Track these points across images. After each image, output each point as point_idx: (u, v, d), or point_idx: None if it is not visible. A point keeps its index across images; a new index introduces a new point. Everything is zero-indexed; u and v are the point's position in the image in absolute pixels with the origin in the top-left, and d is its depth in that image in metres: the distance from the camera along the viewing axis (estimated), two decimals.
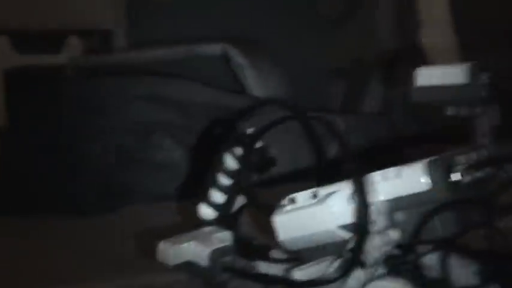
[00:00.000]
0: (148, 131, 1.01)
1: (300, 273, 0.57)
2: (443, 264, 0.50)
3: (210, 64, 1.23)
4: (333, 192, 0.53)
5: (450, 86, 0.54)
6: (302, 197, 0.55)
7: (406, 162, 0.51)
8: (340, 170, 0.55)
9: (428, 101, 0.55)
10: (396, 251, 0.52)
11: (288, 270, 0.58)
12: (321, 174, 0.58)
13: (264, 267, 0.63)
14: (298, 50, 1.51)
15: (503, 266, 0.51)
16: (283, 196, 0.60)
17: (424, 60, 1.33)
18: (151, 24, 1.66)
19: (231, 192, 0.70)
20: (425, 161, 0.50)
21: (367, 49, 1.51)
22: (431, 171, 0.50)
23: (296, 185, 0.62)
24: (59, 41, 1.54)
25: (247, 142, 0.66)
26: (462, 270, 0.52)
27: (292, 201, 0.56)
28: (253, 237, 0.67)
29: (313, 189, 0.54)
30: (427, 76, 0.55)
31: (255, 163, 0.67)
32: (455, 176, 0.50)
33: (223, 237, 0.66)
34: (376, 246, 0.50)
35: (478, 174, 0.52)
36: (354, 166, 0.50)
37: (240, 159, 0.67)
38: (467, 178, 0.50)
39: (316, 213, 0.53)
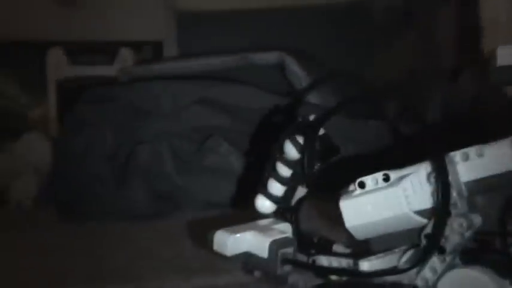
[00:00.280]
0: (204, 135, 0.98)
1: (368, 265, 0.53)
2: None
3: (264, 73, 1.20)
4: (408, 174, 0.48)
5: None
6: (372, 180, 0.51)
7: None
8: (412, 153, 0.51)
9: (510, 80, 0.50)
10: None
11: (354, 262, 0.54)
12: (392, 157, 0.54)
13: (325, 262, 0.59)
14: (351, 60, 1.49)
15: None
16: (350, 182, 0.56)
17: (487, 70, 1.28)
18: (202, 35, 1.66)
19: (290, 183, 0.66)
20: (511, 138, 0.46)
21: (426, 60, 1.47)
22: None
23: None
24: (111, 52, 1.55)
25: (309, 130, 0.62)
26: None
27: (361, 185, 0.52)
28: (314, 231, 0.63)
29: (385, 172, 0.50)
30: (510, 55, 0.51)
31: (317, 152, 0.63)
32: None
33: (283, 229, 0.62)
34: (457, 230, 0.46)
35: None
36: (433, 145, 0.46)
37: (301, 148, 0.64)
38: None
39: (389, 197, 0.49)
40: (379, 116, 0.79)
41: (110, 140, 1.00)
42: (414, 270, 0.49)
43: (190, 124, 1.00)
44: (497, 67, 0.48)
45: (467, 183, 0.47)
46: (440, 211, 0.45)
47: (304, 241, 0.61)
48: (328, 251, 0.60)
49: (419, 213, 0.49)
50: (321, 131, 0.63)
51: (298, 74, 1.18)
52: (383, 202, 0.49)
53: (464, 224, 0.46)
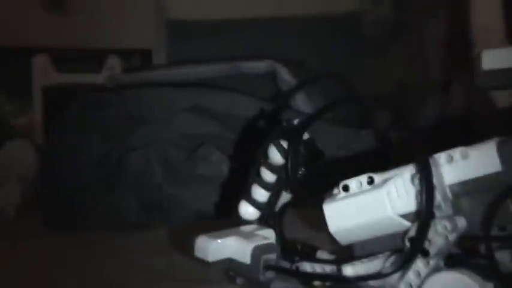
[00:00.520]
0: (195, 143, 0.97)
1: (352, 269, 0.52)
2: None
3: (255, 81, 1.20)
4: (392, 177, 0.48)
5: None
6: (356, 183, 0.50)
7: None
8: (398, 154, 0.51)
9: (496, 85, 0.50)
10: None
11: (337, 267, 0.54)
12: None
13: (309, 268, 0.58)
14: (341, 71, 1.49)
15: None
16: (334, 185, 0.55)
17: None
18: (192, 45, 1.66)
19: (275, 189, 0.66)
20: (496, 140, 0.46)
21: (417, 71, 1.48)
22: (502, 151, 0.45)
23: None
24: (99, 60, 1.54)
25: (293, 134, 0.61)
26: None
27: (345, 188, 0.51)
28: (298, 238, 0.63)
29: (369, 174, 0.50)
30: (495, 58, 0.51)
31: (302, 156, 0.63)
32: None
33: (267, 235, 0.61)
34: (441, 233, 0.45)
35: None
36: (418, 147, 0.46)
37: (285, 152, 0.63)
38: None
39: (373, 200, 0.48)
40: (371, 124, 0.79)
41: (98, 147, 0.98)
42: (398, 274, 0.48)
43: (181, 132, 0.98)
44: (483, 71, 0.48)
45: (452, 186, 0.47)
46: (424, 213, 0.45)
47: (288, 247, 0.60)
48: (312, 258, 0.60)
49: (404, 216, 0.48)
50: (306, 136, 0.63)
51: (290, 82, 1.17)
52: (367, 205, 0.49)
53: (449, 227, 0.45)
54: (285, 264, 0.60)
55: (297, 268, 0.59)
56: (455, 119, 1.21)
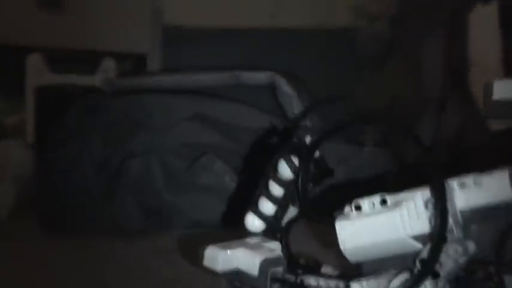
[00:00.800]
0: (196, 152, 0.98)
1: (359, 286, 0.54)
2: None
3: (255, 92, 1.22)
4: (406, 199, 0.50)
5: None
6: (369, 203, 0.53)
7: None
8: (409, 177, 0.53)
9: (506, 115, 0.53)
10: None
11: (346, 284, 0.56)
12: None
13: (313, 282, 0.60)
14: (334, 84, 1.51)
15: None
16: (345, 203, 0.57)
17: (473, 101, 1.32)
18: (187, 51, 1.67)
19: (282, 203, 0.68)
20: (509, 169, 0.48)
21: (409, 90, 1.50)
22: None
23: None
24: (93, 62, 1.55)
25: (305, 152, 0.64)
26: None
27: (358, 208, 0.54)
28: (305, 252, 0.65)
29: (382, 196, 0.52)
30: (506, 89, 0.54)
31: (312, 174, 0.65)
32: None
33: (273, 247, 0.63)
34: (452, 256, 0.48)
35: None
36: (432, 171, 0.48)
37: (295, 168, 0.65)
38: None
39: (386, 221, 0.51)
40: (379, 142, 0.81)
41: (99, 152, 0.99)
42: None
43: (182, 140, 1.00)
44: (493, 101, 0.51)
45: (463, 211, 0.49)
46: (437, 237, 0.47)
47: (293, 261, 0.62)
48: (317, 272, 0.62)
49: (415, 238, 0.51)
50: (316, 153, 0.65)
51: (289, 94, 1.20)
52: (380, 226, 0.51)
53: (460, 250, 0.48)
54: (290, 277, 0.62)
55: (302, 282, 0.61)
56: (450, 138, 1.24)
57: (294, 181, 0.66)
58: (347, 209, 0.55)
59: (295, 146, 0.66)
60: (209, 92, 1.17)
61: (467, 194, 0.49)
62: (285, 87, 1.23)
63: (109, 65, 1.55)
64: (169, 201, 0.96)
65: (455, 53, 1.40)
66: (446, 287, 0.50)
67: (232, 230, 0.89)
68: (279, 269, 0.61)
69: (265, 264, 0.60)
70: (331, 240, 0.61)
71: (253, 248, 0.62)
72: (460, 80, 1.36)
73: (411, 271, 0.51)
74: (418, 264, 0.49)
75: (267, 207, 0.69)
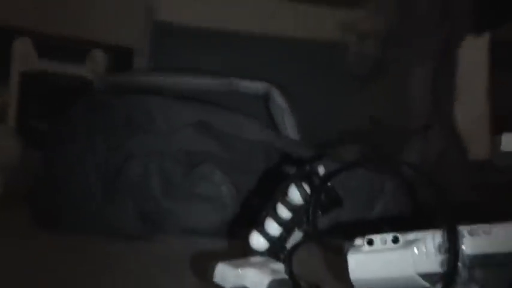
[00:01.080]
0: (195, 160, 1.00)
1: None
2: None
3: (248, 101, 1.24)
4: (418, 239, 0.55)
5: None
6: (381, 240, 0.58)
7: None
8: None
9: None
10: None
11: None
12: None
13: None
14: (320, 105, 1.54)
15: None
16: (354, 237, 0.62)
17: (455, 132, 1.38)
18: (176, 49, 1.68)
19: (289, 226, 0.72)
20: None
21: (394, 113, 1.55)
22: None
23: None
24: (82, 51, 1.55)
25: (318, 182, 0.69)
26: None
27: (370, 242, 0.58)
28: (306, 275, 0.69)
29: (394, 234, 0.57)
30: None
31: (322, 202, 0.70)
32: None
33: (279, 269, 0.68)
34: None
35: None
36: (446, 217, 0.53)
37: (306, 195, 0.70)
38: None
39: (398, 259, 0.56)
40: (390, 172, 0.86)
41: (101, 152, 1.00)
42: None
43: (183, 147, 1.01)
44: (502, 152, 0.56)
45: (471, 256, 0.54)
46: (447, 280, 0.52)
47: (296, 284, 0.67)
48: None
49: (422, 276, 0.56)
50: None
51: (282, 107, 1.23)
52: (391, 262, 0.56)
53: None
54: None
55: None
56: (430, 163, 1.30)
57: (303, 207, 0.71)
58: (359, 242, 0.60)
59: (307, 174, 0.70)
60: (204, 97, 1.19)
61: (476, 241, 0.54)
62: (279, 99, 1.26)
63: (98, 56, 1.56)
64: (165, 206, 0.97)
65: (442, 82, 1.46)
66: None
67: (226, 240, 0.94)
68: None
69: (273, 286, 0.65)
70: (335, 266, 0.66)
71: (261, 268, 0.67)
72: (444, 109, 1.42)
73: None
74: None
75: (273, 228, 0.73)
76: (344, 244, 0.63)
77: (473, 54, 1.43)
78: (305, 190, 0.71)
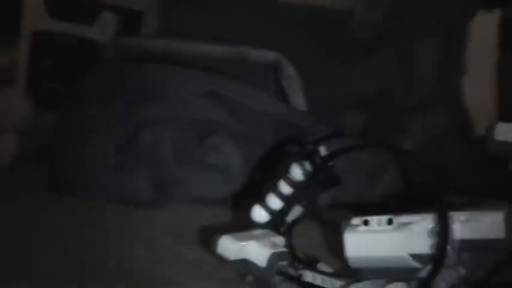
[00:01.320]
0: (207, 130, 1.03)
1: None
2: None
3: (257, 70, 1.26)
4: (411, 223, 0.59)
5: None
6: (377, 221, 0.61)
7: None
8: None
9: (505, 154, 0.62)
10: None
11: (344, 286, 0.65)
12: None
13: (310, 277, 0.69)
14: (323, 75, 1.55)
15: None
16: (349, 216, 0.66)
17: (462, 108, 1.39)
18: (182, 11, 1.68)
19: (289, 201, 0.76)
20: (505, 211, 0.57)
21: (399, 84, 1.55)
22: (508, 222, 0.56)
23: None
24: (92, 13, 1.56)
25: (319, 161, 0.72)
26: None
27: (365, 223, 0.62)
28: (303, 248, 0.73)
29: (388, 216, 0.61)
30: (506, 132, 0.62)
31: (322, 180, 0.73)
32: None
33: (279, 242, 0.72)
34: (446, 278, 0.57)
35: None
36: (439, 202, 0.57)
37: (307, 173, 0.74)
38: None
39: (391, 240, 0.60)
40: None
41: (115, 120, 1.03)
42: None
43: (194, 115, 1.04)
44: (495, 141, 0.59)
45: (460, 241, 0.58)
46: (436, 262, 0.56)
47: (295, 256, 0.71)
48: (314, 268, 0.71)
49: (414, 256, 0.60)
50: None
51: (292, 77, 1.25)
52: (385, 243, 0.60)
53: (453, 275, 0.57)
54: (291, 270, 0.70)
55: (300, 275, 0.70)
56: (434, 140, 1.31)
57: (304, 184, 0.74)
58: (355, 221, 0.64)
59: (309, 153, 0.74)
60: (214, 64, 1.21)
61: (465, 227, 0.58)
62: (288, 69, 1.28)
63: (108, 18, 1.57)
64: (176, 175, 1.00)
65: (451, 55, 1.47)
66: None
67: (231, 210, 0.97)
68: (284, 263, 0.70)
69: (273, 258, 0.69)
70: (331, 242, 0.70)
71: (262, 241, 0.71)
72: (452, 83, 1.43)
73: (406, 283, 0.60)
74: (416, 281, 0.58)
75: (274, 202, 0.77)
76: (341, 222, 0.67)
77: (484, 29, 1.44)
78: (306, 168, 0.74)
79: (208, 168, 1.01)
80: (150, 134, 1.02)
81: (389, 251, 0.60)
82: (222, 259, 0.69)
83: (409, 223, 0.60)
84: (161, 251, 0.82)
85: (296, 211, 0.77)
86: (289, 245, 0.72)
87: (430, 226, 0.58)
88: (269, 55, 1.28)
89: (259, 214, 0.77)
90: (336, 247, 0.67)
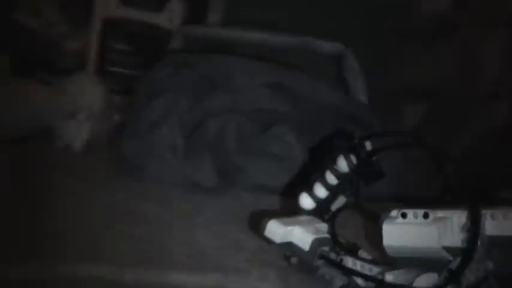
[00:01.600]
0: (270, 120, 1.06)
1: (391, 277, 0.69)
2: None
3: (319, 61, 1.27)
4: (445, 218, 0.63)
5: None
6: (414, 214, 0.66)
7: None
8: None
9: None
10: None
11: (381, 272, 0.69)
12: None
13: (350, 263, 0.74)
14: (385, 65, 1.55)
15: None
16: (389, 208, 0.70)
17: None
18: (247, 2, 1.72)
19: (334, 191, 0.81)
20: None
21: (463, 76, 1.54)
22: None
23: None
24: (160, 0, 1.60)
25: (364, 156, 0.77)
26: None
27: (403, 215, 0.67)
28: (346, 236, 0.78)
29: (425, 210, 0.65)
30: None
31: (365, 173, 0.78)
32: None
33: (322, 228, 0.77)
34: (474, 272, 0.61)
35: None
36: (474, 199, 0.61)
37: (352, 166, 0.78)
38: None
39: (426, 232, 0.65)
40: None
41: (184, 109, 1.07)
42: None
43: (260, 106, 1.07)
44: None
45: (490, 237, 0.62)
46: (466, 255, 0.61)
47: (337, 242, 0.76)
48: (354, 254, 0.76)
49: (446, 248, 0.64)
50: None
51: (355, 69, 1.27)
52: (420, 235, 0.65)
53: (481, 269, 0.61)
54: (333, 255, 0.76)
55: (341, 260, 0.75)
56: (495, 135, 1.30)
57: (349, 175, 0.79)
58: (394, 213, 0.69)
59: (355, 147, 0.79)
60: (276, 53, 1.23)
61: (495, 224, 0.62)
62: (352, 61, 1.29)
63: (176, 6, 1.61)
64: (239, 163, 1.04)
65: None
66: None
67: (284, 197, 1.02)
68: (326, 248, 0.75)
69: (316, 243, 0.75)
70: (371, 232, 0.75)
71: (306, 227, 0.76)
72: None
73: (438, 274, 0.65)
74: (446, 272, 0.63)
75: (320, 191, 0.83)
76: (381, 214, 0.72)
77: None
78: (352, 161, 0.79)
79: (270, 157, 1.05)
80: (216, 123, 1.05)
81: (424, 243, 0.65)
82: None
83: (444, 218, 0.64)
84: (222, 237, 0.87)
85: (340, 201, 0.82)
86: (332, 231, 0.77)
87: (463, 221, 0.63)
88: (333, 46, 1.29)
89: (305, 201, 0.83)
90: (376, 237, 0.72)
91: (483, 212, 0.63)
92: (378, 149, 0.75)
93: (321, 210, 0.82)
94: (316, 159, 0.88)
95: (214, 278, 0.76)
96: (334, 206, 0.82)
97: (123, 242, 0.81)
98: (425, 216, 0.66)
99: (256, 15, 1.56)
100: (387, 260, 0.72)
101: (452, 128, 1.44)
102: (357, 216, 0.88)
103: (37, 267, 0.71)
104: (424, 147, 0.71)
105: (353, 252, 0.77)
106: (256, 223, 0.77)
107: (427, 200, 0.72)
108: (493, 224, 0.63)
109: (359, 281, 0.73)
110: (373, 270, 0.73)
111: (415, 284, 0.67)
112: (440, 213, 0.65)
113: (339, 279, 0.74)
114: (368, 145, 0.78)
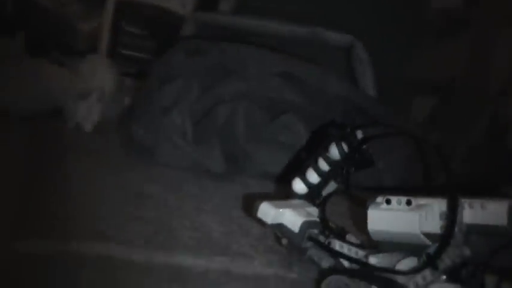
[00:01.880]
0: (280, 109, 1.08)
1: (375, 260, 0.72)
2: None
3: (329, 51, 1.29)
4: (427, 205, 0.66)
5: None
6: (397, 201, 0.69)
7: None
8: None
9: None
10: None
11: (365, 255, 0.73)
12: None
13: (338, 246, 0.77)
14: (395, 57, 1.56)
15: None
16: (376, 195, 0.73)
17: None
18: None
19: (326, 177, 0.84)
20: (509, 201, 0.64)
21: (474, 72, 1.54)
22: (511, 212, 0.63)
23: None
24: None
25: (355, 144, 0.79)
26: None
27: (388, 202, 0.70)
28: (334, 220, 0.82)
29: (408, 197, 0.68)
30: None
31: (356, 160, 0.81)
32: None
33: (313, 212, 0.81)
34: (451, 257, 0.65)
35: None
36: (452, 189, 0.64)
37: (343, 153, 0.81)
38: None
39: (408, 218, 0.69)
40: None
41: (195, 95, 1.09)
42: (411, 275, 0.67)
43: (270, 94, 1.09)
44: None
45: (467, 224, 0.65)
46: (443, 241, 0.64)
47: (326, 225, 0.79)
48: (342, 238, 0.79)
49: (425, 234, 0.67)
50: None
51: (365, 61, 1.28)
52: (402, 220, 0.69)
53: (458, 254, 0.65)
54: (322, 237, 0.79)
55: (329, 243, 0.78)
56: (503, 132, 1.30)
57: (340, 162, 0.82)
58: (379, 199, 0.72)
59: (347, 135, 0.81)
60: (286, 43, 1.24)
61: (473, 213, 0.65)
62: (361, 52, 1.31)
63: None
64: (247, 150, 1.06)
65: None
66: (442, 277, 0.67)
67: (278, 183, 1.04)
68: (315, 231, 0.79)
69: (305, 225, 0.78)
70: (360, 217, 0.78)
71: (297, 209, 0.80)
72: None
73: (417, 258, 0.68)
74: (424, 256, 0.66)
75: (313, 177, 0.86)
76: (367, 200, 0.75)
77: None
78: (343, 149, 0.82)
79: (278, 146, 1.07)
80: (225, 109, 1.07)
81: (406, 228, 0.69)
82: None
83: (425, 205, 0.67)
84: (229, 222, 0.90)
85: (331, 186, 0.85)
86: (322, 215, 0.80)
87: (443, 209, 0.65)
88: (342, 37, 1.31)
89: (298, 186, 0.86)
90: (364, 222, 0.75)
91: (462, 201, 0.66)
92: (367, 138, 0.78)
93: (313, 195, 0.86)
94: (311, 146, 0.91)
95: (219, 262, 0.79)
96: (325, 191, 0.85)
97: (132, 223, 0.84)
98: (408, 203, 0.69)
99: (266, 5, 1.58)
100: (373, 244, 0.75)
101: (460, 123, 1.46)
102: (346, 202, 0.91)
103: (46, 244, 0.73)
104: (413, 138, 0.74)
105: (341, 236, 0.81)
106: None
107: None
108: (471, 213, 0.66)
109: (345, 263, 0.76)
110: (359, 254, 0.76)
111: (397, 267, 0.70)
112: (422, 201, 0.69)
113: (326, 261, 0.78)
114: (359, 134, 0.81)
